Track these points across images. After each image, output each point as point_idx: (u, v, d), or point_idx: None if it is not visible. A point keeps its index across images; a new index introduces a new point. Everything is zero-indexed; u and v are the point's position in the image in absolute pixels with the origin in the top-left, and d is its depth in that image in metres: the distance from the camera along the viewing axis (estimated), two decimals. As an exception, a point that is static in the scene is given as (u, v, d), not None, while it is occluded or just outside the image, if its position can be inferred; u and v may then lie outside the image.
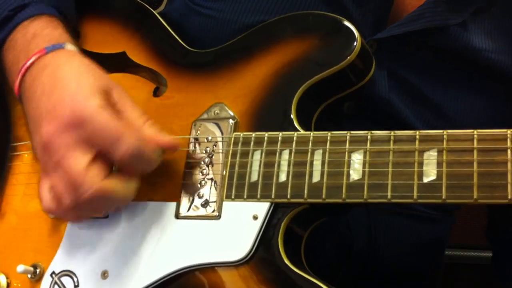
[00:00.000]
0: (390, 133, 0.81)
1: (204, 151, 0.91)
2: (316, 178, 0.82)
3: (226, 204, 0.86)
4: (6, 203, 1.03)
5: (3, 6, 0.96)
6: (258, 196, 0.85)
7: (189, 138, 0.93)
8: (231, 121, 0.91)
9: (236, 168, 0.87)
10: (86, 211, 0.87)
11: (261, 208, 0.84)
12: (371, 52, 0.91)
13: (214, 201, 0.87)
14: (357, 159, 0.81)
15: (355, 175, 0.80)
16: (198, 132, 0.93)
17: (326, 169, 0.82)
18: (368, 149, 0.81)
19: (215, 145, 0.90)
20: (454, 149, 0.77)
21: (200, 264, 0.85)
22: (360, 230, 1.02)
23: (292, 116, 0.88)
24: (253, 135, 0.88)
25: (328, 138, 0.83)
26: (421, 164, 0.78)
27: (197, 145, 0.92)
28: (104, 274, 0.90)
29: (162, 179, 0.92)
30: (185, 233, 0.88)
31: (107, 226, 0.92)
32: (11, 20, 0.96)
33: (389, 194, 0.78)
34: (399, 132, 0.80)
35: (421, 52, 0.99)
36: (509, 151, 0.74)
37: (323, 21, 0.92)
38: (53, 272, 0.93)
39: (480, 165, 0.75)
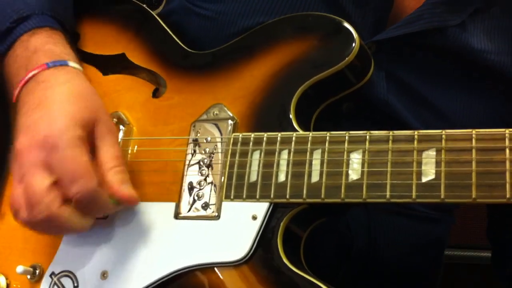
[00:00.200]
0: (389, 133, 0.81)
1: (203, 152, 0.91)
2: (315, 178, 0.82)
3: (225, 204, 0.87)
4: (5, 204, 1.03)
5: (4, 16, 0.97)
6: (257, 196, 0.85)
7: (188, 139, 0.93)
8: (230, 121, 0.91)
9: (235, 168, 0.87)
10: (41, 229, 0.87)
11: (260, 208, 0.84)
12: (369, 53, 0.91)
13: (213, 202, 0.88)
14: (356, 158, 0.81)
15: (354, 175, 0.81)
16: (198, 133, 0.93)
17: (325, 169, 0.82)
18: (367, 148, 0.81)
19: (214, 146, 0.91)
20: (452, 149, 0.77)
21: (200, 264, 0.85)
22: (360, 230, 1.02)
23: (291, 116, 0.88)
24: (252, 135, 0.88)
25: (327, 138, 0.83)
26: (419, 163, 0.78)
27: (196, 146, 0.92)
28: (104, 275, 0.90)
29: (162, 180, 0.92)
30: (184, 233, 0.88)
31: (106, 226, 0.92)
32: (12, 33, 0.96)
33: (388, 193, 0.78)
34: (398, 132, 0.81)
35: (420, 53, 0.99)
36: (507, 150, 0.74)
37: (322, 22, 0.92)
38: (53, 273, 0.93)
39: (478, 164, 0.75)
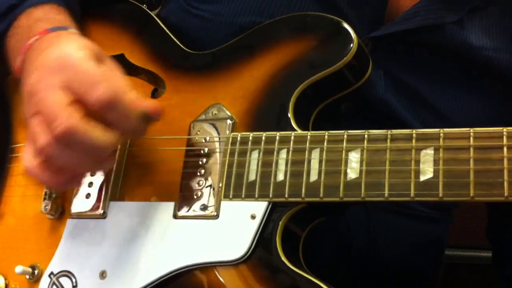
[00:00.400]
0: (387, 132, 0.81)
1: (202, 152, 0.91)
2: (313, 177, 0.82)
3: (224, 204, 0.87)
4: (4, 205, 1.03)
5: None
6: (256, 195, 0.85)
7: (187, 139, 0.93)
8: (229, 121, 0.91)
9: (234, 168, 0.87)
10: (61, 159, 0.79)
11: (259, 207, 0.84)
12: (368, 52, 0.91)
13: (212, 201, 0.88)
14: (354, 157, 0.81)
15: (352, 173, 0.81)
16: (197, 133, 0.93)
17: (323, 167, 0.82)
18: (365, 147, 0.81)
19: (213, 146, 0.91)
20: (450, 147, 0.77)
21: (199, 264, 0.85)
22: (360, 230, 1.02)
23: (289, 116, 0.88)
24: (251, 134, 0.88)
25: (326, 137, 0.83)
26: (418, 162, 0.78)
27: (195, 146, 0.92)
28: (103, 274, 0.90)
29: (160, 179, 0.92)
30: (183, 232, 0.88)
31: (105, 226, 0.92)
32: (17, 8, 0.97)
33: (386, 192, 0.78)
34: (396, 131, 0.81)
35: (417, 50, 0.99)
36: (505, 149, 0.74)
37: (321, 22, 0.93)
38: (52, 273, 0.93)
39: (476, 162, 0.75)
